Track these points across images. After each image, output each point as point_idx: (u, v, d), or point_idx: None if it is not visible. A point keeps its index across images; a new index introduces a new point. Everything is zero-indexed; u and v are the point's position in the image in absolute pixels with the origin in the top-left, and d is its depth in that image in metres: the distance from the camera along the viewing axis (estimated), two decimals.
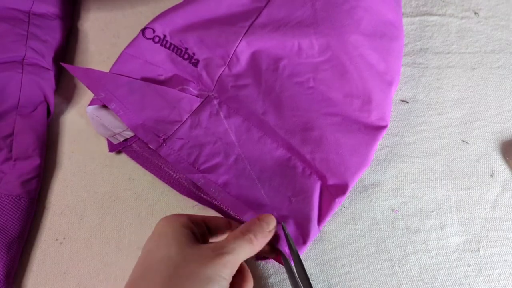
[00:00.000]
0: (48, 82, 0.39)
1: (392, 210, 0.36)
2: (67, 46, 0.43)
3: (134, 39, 0.37)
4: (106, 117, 0.36)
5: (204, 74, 0.37)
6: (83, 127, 0.39)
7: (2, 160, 0.35)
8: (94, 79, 0.34)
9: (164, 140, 0.34)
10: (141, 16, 0.44)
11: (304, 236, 0.32)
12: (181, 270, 0.24)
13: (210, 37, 0.36)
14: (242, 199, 0.33)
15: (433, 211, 0.36)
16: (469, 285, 0.33)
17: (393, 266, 0.34)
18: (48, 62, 0.39)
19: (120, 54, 0.36)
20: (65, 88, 0.41)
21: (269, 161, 0.35)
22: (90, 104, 0.35)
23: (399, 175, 0.37)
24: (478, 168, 0.38)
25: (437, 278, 0.33)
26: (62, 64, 0.35)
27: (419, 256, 0.34)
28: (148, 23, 0.37)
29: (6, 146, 0.35)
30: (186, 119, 0.35)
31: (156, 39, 0.36)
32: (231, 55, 0.36)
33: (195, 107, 0.35)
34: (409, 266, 0.34)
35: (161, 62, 0.37)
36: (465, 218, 0.36)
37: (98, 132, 0.37)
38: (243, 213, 0.32)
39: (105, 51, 0.43)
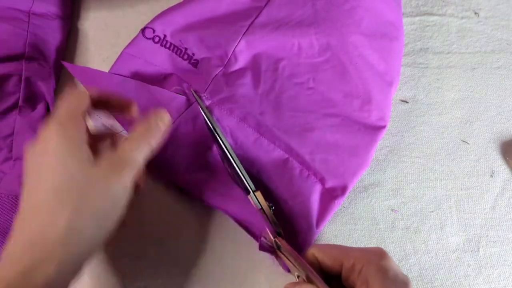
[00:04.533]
0: (48, 82, 0.39)
1: (392, 210, 0.36)
2: (67, 46, 0.43)
3: (134, 39, 0.37)
4: (106, 116, 0.36)
5: (201, 74, 0.37)
6: None
7: (2, 160, 0.35)
8: (90, 77, 0.34)
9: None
10: (141, 16, 0.44)
11: (301, 237, 0.32)
12: (88, 192, 0.24)
13: (210, 37, 0.36)
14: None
15: (433, 211, 0.36)
16: (469, 285, 0.33)
17: None
18: (48, 62, 0.39)
19: (120, 54, 0.36)
20: (65, 88, 0.41)
21: (265, 162, 0.35)
22: None
23: (399, 175, 0.37)
24: (478, 168, 0.38)
25: (437, 278, 0.33)
26: (62, 62, 0.35)
27: (419, 256, 0.34)
28: (148, 23, 0.37)
29: (6, 146, 0.35)
30: (175, 120, 0.35)
31: (156, 39, 0.36)
32: (229, 55, 0.36)
33: (184, 108, 0.35)
34: (409, 266, 0.34)
35: (161, 62, 0.37)
36: (465, 218, 0.36)
37: (98, 131, 0.37)
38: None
39: (105, 51, 0.42)
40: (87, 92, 0.28)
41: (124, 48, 0.36)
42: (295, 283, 0.27)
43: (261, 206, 0.32)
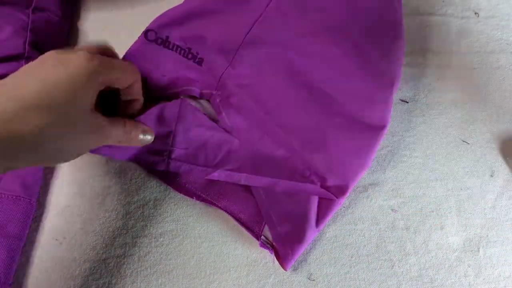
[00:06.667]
0: None
1: (392, 210, 0.36)
2: (67, 46, 0.43)
3: (136, 41, 0.36)
4: None
5: (208, 72, 0.37)
6: None
7: None
8: None
9: (168, 156, 0.34)
10: (141, 16, 0.44)
11: (300, 236, 0.32)
12: (69, 120, 0.25)
13: (213, 37, 0.36)
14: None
15: (433, 211, 0.36)
16: (469, 285, 0.33)
17: (392, 266, 0.34)
18: None
19: (123, 57, 0.36)
20: None
21: (269, 161, 0.35)
22: None
23: (399, 175, 0.37)
24: (478, 168, 0.38)
25: (437, 278, 0.33)
26: None
27: (419, 256, 0.34)
28: (150, 25, 0.37)
29: None
30: (176, 125, 0.35)
31: (159, 41, 0.36)
32: (234, 54, 0.36)
33: (177, 111, 0.35)
34: (409, 266, 0.34)
35: (165, 63, 0.36)
36: (465, 218, 0.36)
37: None
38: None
39: None
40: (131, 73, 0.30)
41: (127, 50, 0.36)
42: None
43: None
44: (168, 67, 0.36)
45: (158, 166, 0.34)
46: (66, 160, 0.27)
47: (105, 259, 0.34)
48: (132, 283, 0.33)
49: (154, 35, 0.36)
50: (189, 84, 0.36)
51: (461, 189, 0.37)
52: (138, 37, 0.36)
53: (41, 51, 0.39)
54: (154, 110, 0.33)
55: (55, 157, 0.26)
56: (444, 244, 0.35)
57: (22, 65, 0.37)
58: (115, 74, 0.28)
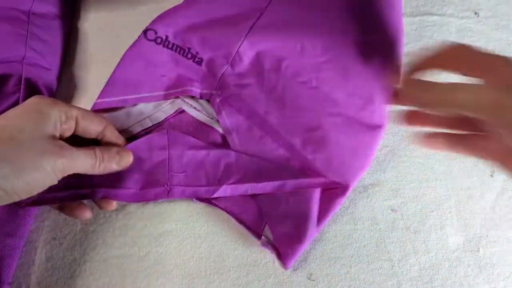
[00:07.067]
0: (48, 82, 0.39)
1: (392, 210, 0.36)
2: (67, 46, 0.43)
3: (136, 40, 0.36)
4: (118, 118, 0.36)
5: (207, 72, 0.37)
6: None
7: None
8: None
9: (168, 185, 0.34)
10: (141, 16, 0.44)
11: (300, 235, 0.32)
12: (23, 144, 0.25)
13: (213, 37, 0.36)
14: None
15: (433, 211, 0.36)
16: (469, 285, 0.33)
17: (392, 266, 0.34)
18: (48, 62, 0.39)
19: (123, 56, 0.36)
20: (65, 88, 0.41)
21: (269, 160, 0.35)
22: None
23: (399, 175, 0.37)
24: (478, 168, 0.38)
25: (437, 278, 0.33)
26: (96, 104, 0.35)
27: (419, 256, 0.34)
28: (150, 24, 0.37)
29: None
30: (168, 152, 0.34)
31: (159, 40, 0.36)
32: (234, 54, 0.36)
33: (165, 141, 0.35)
34: (409, 266, 0.34)
35: (165, 63, 0.37)
36: (465, 218, 0.36)
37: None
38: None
39: (105, 51, 0.42)
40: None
41: (126, 50, 0.36)
42: None
43: None
44: (167, 67, 0.36)
45: (161, 196, 0.33)
46: (31, 190, 0.26)
47: (105, 259, 0.34)
48: (132, 283, 0.33)
49: (154, 35, 0.36)
50: (189, 85, 0.36)
51: (461, 189, 0.37)
52: (138, 37, 0.36)
53: (41, 51, 0.39)
54: (142, 140, 0.33)
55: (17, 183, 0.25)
56: (444, 244, 0.35)
57: (21, 67, 0.38)
58: (72, 123, 0.29)
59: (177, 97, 0.37)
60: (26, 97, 0.37)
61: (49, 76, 0.39)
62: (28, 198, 0.27)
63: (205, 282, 0.33)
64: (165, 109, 0.37)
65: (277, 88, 0.36)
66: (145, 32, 0.36)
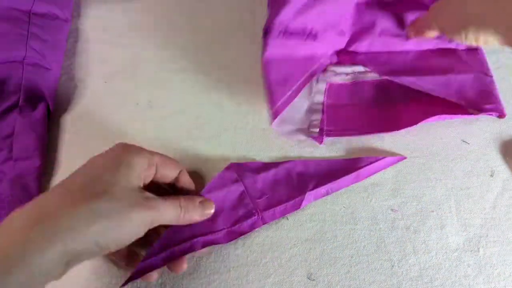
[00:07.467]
0: (48, 82, 0.39)
1: (392, 210, 0.36)
2: (67, 46, 0.43)
3: (265, 43, 0.37)
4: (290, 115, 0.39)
5: (326, 45, 0.39)
6: (83, 127, 0.39)
7: (2, 160, 0.35)
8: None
9: (259, 212, 0.34)
10: (142, 16, 0.44)
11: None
12: (113, 196, 0.25)
13: (326, 16, 0.39)
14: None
15: (433, 211, 0.36)
16: (469, 285, 0.33)
17: (392, 266, 0.34)
18: (48, 62, 0.39)
19: (262, 63, 0.37)
20: (65, 88, 0.41)
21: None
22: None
23: (399, 175, 0.37)
24: (478, 168, 0.38)
25: (437, 278, 0.33)
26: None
27: (419, 256, 0.34)
28: (267, 22, 0.38)
29: (6, 146, 0.35)
30: (243, 183, 0.35)
31: (281, 35, 0.38)
32: (346, 32, 0.40)
33: (235, 174, 0.35)
34: (409, 266, 0.34)
35: (294, 50, 0.38)
36: (465, 218, 0.36)
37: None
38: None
39: (105, 51, 0.43)
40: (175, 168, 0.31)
41: (262, 56, 0.37)
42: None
43: None
44: (297, 53, 0.38)
45: (257, 225, 0.34)
46: (120, 244, 0.26)
47: (105, 259, 0.34)
48: (132, 283, 0.33)
49: (276, 29, 0.37)
50: (317, 60, 0.39)
51: (461, 189, 0.37)
52: (264, 39, 0.38)
53: (42, 51, 0.39)
54: (214, 181, 0.34)
55: (110, 237, 0.25)
56: (444, 244, 0.35)
57: (21, 67, 0.38)
58: (153, 170, 0.29)
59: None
60: (26, 97, 0.37)
61: (50, 76, 0.39)
62: (133, 273, 0.29)
63: (205, 282, 0.33)
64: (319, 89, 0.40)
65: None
66: (265, 31, 0.38)
